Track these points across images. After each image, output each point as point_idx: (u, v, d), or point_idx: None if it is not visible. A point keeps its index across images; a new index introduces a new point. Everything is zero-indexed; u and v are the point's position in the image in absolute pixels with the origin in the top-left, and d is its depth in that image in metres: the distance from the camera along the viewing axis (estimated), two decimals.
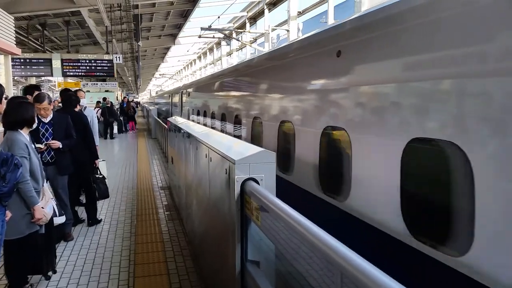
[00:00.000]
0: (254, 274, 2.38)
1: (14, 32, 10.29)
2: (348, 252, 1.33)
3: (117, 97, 35.12)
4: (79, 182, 5.70)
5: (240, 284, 2.50)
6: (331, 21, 16.31)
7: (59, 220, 4.02)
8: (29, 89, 5.77)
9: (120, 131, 20.00)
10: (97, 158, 5.95)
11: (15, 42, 10.61)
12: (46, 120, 4.74)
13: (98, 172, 5.95)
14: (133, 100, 36.60)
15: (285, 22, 20.01)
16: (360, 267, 1.22)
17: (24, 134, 3.49)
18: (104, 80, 25.16)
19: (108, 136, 17.38)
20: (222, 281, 2.96)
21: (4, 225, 2.98)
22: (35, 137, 4.52)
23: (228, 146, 3.09)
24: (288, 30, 18.41)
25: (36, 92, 5.27)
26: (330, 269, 1.42)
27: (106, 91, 25.99)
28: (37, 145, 4.44)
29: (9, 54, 10.34)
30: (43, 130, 4.72)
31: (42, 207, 3.43)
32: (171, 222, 5.73)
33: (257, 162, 2.51)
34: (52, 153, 4.74)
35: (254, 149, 2.66)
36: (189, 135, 4.72)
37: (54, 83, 43.74)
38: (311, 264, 1.95)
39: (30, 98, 5.04)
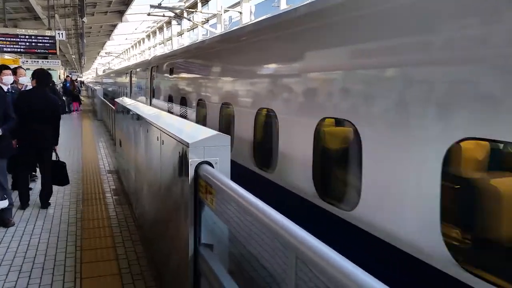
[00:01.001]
0: (207, 257, 2.38)
1: None
2: (304, 234, 1.36)
3: (59, 76, 33.23)
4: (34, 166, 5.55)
5: (193, 267, 2.50)
6: (283, 5, 16.34)
7: (1, 204, 3.77)
8: None
9: (63, 111, 18.98)
10: (57, 143, 5.68)
11: None
12: None
13: (57, 157, 5.71)
14: (76, 79, 34.81)
15: (238, 3, 19.79)
16: (315, 248, 1.25)
17: None
18: (45, 58, 23.61)
19: None
20: (174, 265, 2.94)
21: None
22: None
23: (181, 129, 3.03)
24: (240, 12, 18.23)
25: None
26: (284, 252, 1.45)
27: (48, 69, 24.48)
28: None
29: None
30: None
31: None
32: (120, 207, 5.58)
33: (211, 145, 2.48)
34: None
35: (208, 132, 2.64)
36: (138, 117, 4.58)
37: None
38: (264, 246, 1.99)
39: None
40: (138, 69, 13.91)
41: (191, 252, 2.50)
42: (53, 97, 5.72)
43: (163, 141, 3.22)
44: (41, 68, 6.10)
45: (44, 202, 5.45)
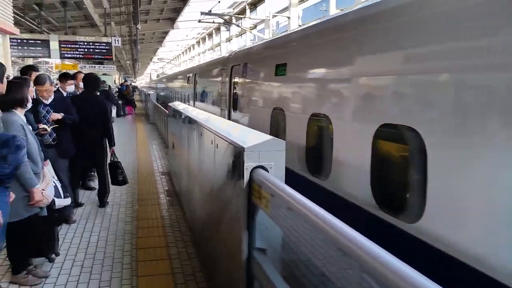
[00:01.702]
0: (261, 261, 2.39)
1: (12, 11, 10.13)
2: (369, 243, 1.33)
3: (114, 80, 34.87)
4: (88, 167, 5.82)
5: (246, 270, 2.52)
6: (332, 10, 16.15)
7: (64, 202, 4.01)
8: (25, 70, 5.69)
9: (118, 115, 19.89)
10: (113, 145, 5.90)
11: (13, 22, 10.46)
12: (47, 102, 4.71)
13: (113, 158, 5.93)
14: (130, 84, 36.34)
15: (286, 9, 19.84)
16: (382, 259, 1.22)
17: (19, 115, 3.41)
18: (101, 63, 24.93)
19: None
20: (227, 268, 2.98)
21: (8, 207, 2.97)
22: (36, 118, 4.49)
23: (236, 133, 3.07)
24: (289, 17, 18.24)
25: (34, 73, 5.22)
26: (347, 261, 1.42)
27: (104, 74, 25.77)
28: (42, 126, 4.42)
29: (7, 34, 10.20)
30: (44, 112, 4.69)
31: (43, 189, 3.41)
32: (172, 208, 5.74)
33: (266, 150, 2.50)
34: (55, 135, 4.72)
35: (263, 137, 2.66)
36: (192, 121, 4.70)
37: (52, 64, 43.28)
38: (322, 254, 1.97)
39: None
40: (207, 71, 11.25)
41: (245, 255, 2.52)
42: (101, 100, 5.87)
43: (217, 144, 3.28)
44: (89, 73, 6.35)
45: (101, 201, 5.72)
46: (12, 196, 3.02)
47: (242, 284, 2.57)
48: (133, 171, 8.16)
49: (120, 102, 21.02)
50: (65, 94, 5.79)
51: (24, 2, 17.86)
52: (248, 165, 2.48)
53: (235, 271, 2.69)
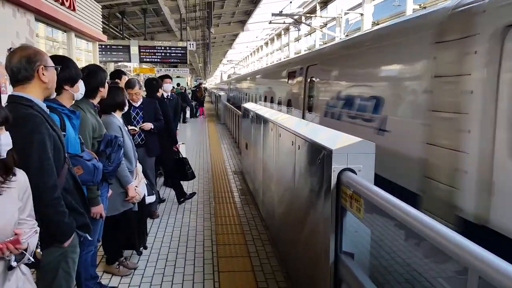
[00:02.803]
0: (349, 265, 2.36)
1: (101, 20, 11.00)
2: (485, 252, 1.26)
3: (187, 82, 36.38)
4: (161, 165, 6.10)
5: (333, 274, 2.50)
6: (410, 7, 15.36)
7: (150, 199, 4.28)
8: (116, 74, 6.11)
9: (192, 115, 20.70)
10: (177, 142, 6.20)
11: (102, 30, 11.35)
12: (137, 105, 5.03)
13: (179, 155, 6.21)
14: (202, 85, 37.70)
15: (358, 5, 19.34)
16: (501, 269, 1.15)
17: (117, 117, 3.70)
18: (175, 66, 26.16)
19: (181, 120, 18.13)
20: (311, 269, 2.97)
21: (107, 202, 3.22)
22: (127, 120, 4.82)
23: (320, 134, 3.06)
24: (362, 14, 17.76)
25: (124, 77, 5.59)
26: (457, 270, 1.36)
27: (178, 76, 27.04)
28: (131, 127, 4.73)
29: (97, 41, 11.09)
30: (134, 114, 5.01)
31: (136, 186, 3.66)
32: (247, 206, 5.86)
33: (355, 152, 2.46)
34: (143, 135, 5.03)
35: (351, 139, 2.62)
36: (268, 122, 4.77)
37: (130, 68, 46.29)
38: (422, 261, 1.90)
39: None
40: (279, 71, 10.58)
41: (332, 258, 2.50)
42: (162, 99, 6.06)
43: (299, 146, 3.29)
44: (148, 78, 6.59)
45: (178, 199, 5.99)
46: (110, 192, 3.28)
47: (328, 286, 2.55)
48: (207, 170, 8.46)
49: (193, 103, 21.86)
50: (165, 95, 6.18)
51: (110, 11, 19.28)
52: (336, 167, 2.45)
53: (321, 273, 2.68)
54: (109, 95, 3.34)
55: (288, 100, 9.24)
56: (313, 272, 2.89)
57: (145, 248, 4.18)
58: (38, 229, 1.75)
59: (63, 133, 2.44)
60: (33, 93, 2.16)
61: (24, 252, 1.62)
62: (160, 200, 5.88)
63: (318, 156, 2.72)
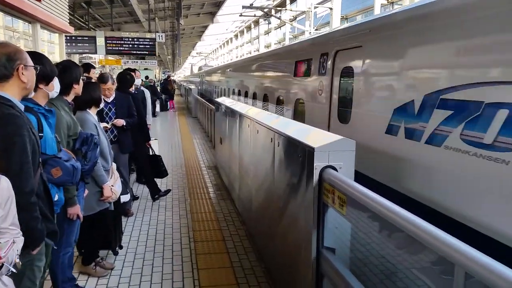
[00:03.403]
0: (331, 259, 2.42)
1: (67, 11, 10.60)
2: (468, 248, 1.32)
3: (155, 75, 35.71)
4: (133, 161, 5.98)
5: (315, 268, 2.55)
6: (378, 2, 15.68)
7: (125, 198, 4.20)
8: (84, 67, 5.91)
9: (162, 109, 20.37)
10: (149, 139, 6.11)
11: (68, 21, 10.94)
12: (109, 100, 4.90)
13: (152, 152, 6.13)
14: (171, 78, 37.13)
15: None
16: (486, 265, 1.21)
17: (92, 114, 3.60)
18: (143, 58, 25.59)
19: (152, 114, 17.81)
20: (292, 264, 3.02)
21: (83, 202, 3.14)
22: (99, 116, 4.69)
23: (300, 132, 3.09)
24: (331, 8, 17.96)
25: (93, 70, 5.44)
26: (441, 266, 1.42)
27: (145, 69, 26.48)
28: (103, 124, 4.62)
29: (63, 33, 10.69)
30: (106, 110, 4.89)
31: (112, 185, 3.58)
32: (223, 202, 5.86)
33: (336, 150, 2.51)
34: (115, 132, 4.92)
35: (332, 136, 2.66)
36: (245, 117, 4.77)
37: (95, 60, 44.92)
38: (403, 256, 1.97)
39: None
40: (279, 60, 8.40)
41: (314, 254, 2.55)
42: (134, 94, 5.94)
43: (278, 143, 3.31)
44: (122, 72, 6.41)
45: (152, 196, 5.91)
46: (86, 191, 3.20)
47: (310, 281, 2.61)
48: (180, 165, 8.39)
49: (162, 97, 21.51)
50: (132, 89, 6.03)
51: (75, 1, 18.61)
52: (318, 165, 2.49)
53: (303, 268, 2.73)
54: (85, 90, 3.24)
55: (295, 101, 6.71)
56: (295, 267, 2.94)
57: (121, 247, 4.11)
58: (22, 238, 1.69)
59: (40, 134, 2.36)
60: (11, 92, 2.07)
61: (4, 263, 1.56)
62: (133, 198, 5.78)
63: (299, 153, 2.75)
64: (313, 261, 2.55)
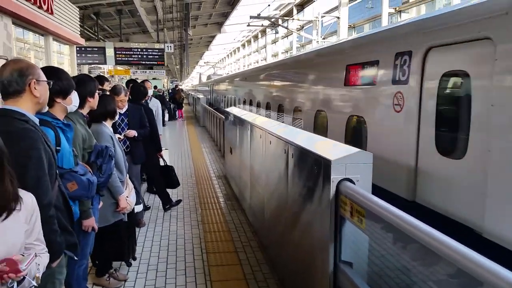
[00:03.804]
0: (349, 273, 2.39)
1: (78, 23, 10.73)
2: (495, 266, 1.30)
3: (163, 84, 35.93)
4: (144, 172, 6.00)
5: (333, 283, 2.52)
6: (385, 11, 15.65)
7: (138, 208, 4.21)
8: (99, 80, 5.98)
9: (170, 118, 20.47)
10: (161, 150, 6.11)
11: (79, 33, 11.09)
12: (122, 111, 4.94)
13: (164, 163, 6.15)
14: (180, 87, 37.34)
15: (335, 8, 19.61)
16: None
17: (108, 126, 3.65)
18: (151, 68, 25.78)
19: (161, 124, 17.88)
20: (307, 277, 2.99)
21: (98, 213, 3.15)
22: (112, 127, 4.72)
23: (315, 143, 3.08)
24: (338, 17, 18.01)
25: (106, 83, 5.47)
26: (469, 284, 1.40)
27: (154, 78, 26.65)
28: (116, 135, 4.65)
29: (74, 44, 10.82)
30: (119, 121, 4.92)
31: (127, 197, 3.60)
32: (234, 212, 5.84)
33: (353, 162, 2.49)
34: (128, 143, 4.95)
35: (349, 149, 2.65)
36: (257, 128, 4.77)
37: (103, 70, 45.37)
38: (426, 272, 1.94)
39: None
40: (324, 65, 6.52)
41: (331, 268, 2.53)
42: (147, 105, 5.97)
43: (292, 154, 3.30)
44: (133, 80, 6.40)
45: (164, 206, 5.91)
46: (101, 203, 3.20)
47: None
48: (190, 174, 8.40)
49: (171, 105, 21.63)
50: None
51: (84, 12, 18.85)
52: (335, 177, 2.48)
53: (319, 281, 2.70)
54: (100, 103, 3.27)
55: (347, 120, 5.17)
56: (310, 280, 2.91)
57: (134, 259, 4.10)
58: (47, 254, 1.69)
59: (57, 147, 2.37)
60: (25, 107, 2.09)
61: (26, 276, 1.57)
62: (145, 208, 5.79)
63: (315, 165, 2.74)
64: (330, 274, 2.53)
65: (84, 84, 3.09)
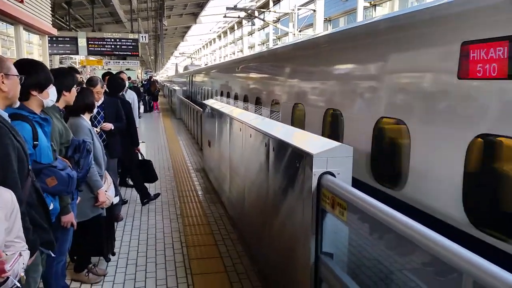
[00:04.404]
0: (330, 264, 2.45)
1: (50, 12, 10.38)
2: (475, 257, 1.36)
3: (137, 75, 35.32)
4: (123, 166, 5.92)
5: (314, 273, 2.58)
6: (360, 4, 15.86)
7: (115, 200, 4.14)
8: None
9: (145, 110, 20.17)
10: (138, 144, 6.03)
11: (51, 23, 10.73)
12: (98, 104, 4.82)
13: (142, 157, 6.09)
14: (150, 78, 36.74)
15: (311, 1, 19.70)
16: (495, 273, 1.25)
17: (86, 119, 3.58)
18: (125, 59, 25.24)
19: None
20: (289, 269, 3.04)
21: (76, 209, 3.10)
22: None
23: (296, 137, 3.11)
24: (314, 10, 18.10)
25: (77, 76, 5.33)
26: (446, 274, 1.46)
27: (128, 69, 26.14)
28: None
29: (46, 34, 10.47)
30: (95, 114, 4.81)
31: (106, 191, 3.55)
32: (213, 205, 5.84)
33: (334, 156, 2.54)
34: (104, 136, 4.86)
35: (330, 143, 2.69)
36: (235, 121, 4.77)
37: (75, 60, 44.07)
38: (402, 263, 2.01)
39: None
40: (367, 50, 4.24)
41: (312, 259, 2.58)
42: (123, 98, 5.89)
43: (273, 148, 3.33)
44: (109, 72, 6.30)
45: (142, 200, 5.86)
46: (79, 198, 3.15)
47: (308, 285, 2.63)
48: (168, 167, 8.33)
49: (146, 97, 21.31)
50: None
51: (55, 1, 18.23)
52: (317, 171, 2.52)
53: (301, 273, 2.75)
54: (79, 96, 3.21)
55: (472, 140, 2.79)
56: (292, 272, 2.96)
57: (113, 254, 4.06)
58: (28, 251, 1.66)
59: (35, 142, 2.31)
60: None
61: (10, 277, 1.54)
62: (122, 202, 5.71)
63: (297, 159, 2.77)
64: (311, 266, 2.58)
65: (60, 77, 3.00)
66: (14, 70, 2.11)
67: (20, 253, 1.59)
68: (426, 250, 1.61)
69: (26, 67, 2.37)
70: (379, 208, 1.97)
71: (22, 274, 1.60)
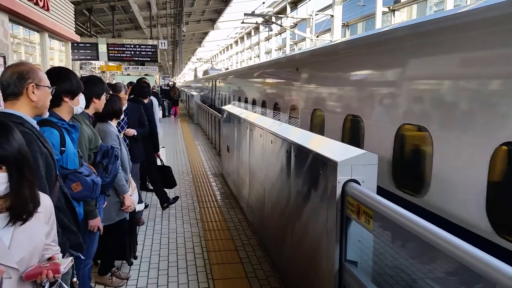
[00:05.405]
0: (354, 272, 2.44)
1: (73, 19, 10.62)
2: (503, 265, 1.35)
3: (155, 80, 35.71)
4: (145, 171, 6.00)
5: (338, 282, 2.58)
6: (379, 10, 15.72)
7: (140, 207, 4.22)
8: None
9: (163, 115, 20.39)
10: (158, 149, 6.11)
11: (74, 30, 10.99)
12: None
13: (162, 162, 6.15)
14: (168, 83, 37.13)
15: (328, 6, 19.67)
16: None
17: (114, 125, 3.67)
18: (143, 64, 25.60)
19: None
20: (311, 277, 3.04)
21: (102, 213, 3.17)
22: None
23: (320, 144, 3.12)
24: (332, 16, 18.07)
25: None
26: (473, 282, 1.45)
27: (146, 75, 26.49)
28: None
29: (69, 41, 10.72)
30: (119, 120, 4.91)
31: (130, 195, 3.62)
32: (232, 211, 5.88)
33: (358, 163, 2.54)
34: (127, 141, 4.95)
35: (354, 150, 2.70)
36: (257, 128, 4.80)
37: (94, 65, 44.86)
38: (432, 271, 1.99)
39: None
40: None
41: (336, 267, 2.58)
42: (147, 105, 5.95)
43: (295, 155, 3.35)
44: (139, 83, 6.40)
45: (162, 205, 5.92)
46: (105, 203, 3.22)
47: None
48: (187, 172, 8.41)
49: (165, 102, 21.55)
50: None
51: (76, 8, 18.66)
52: (341, 178, 2.53)
53: (324, 280, 2.75)
54: (107, 102, 3.29)
55: None
56: (315, 279, 2.96)
57: (135, 258, 4.12)
58: (60, 255, 1.71)
59: (62, 148, 2.38)
60: (22, 110, 2.07)
61: (59, 279, 1.59)
62: (144, 206, 5.79)
63: (320, 166, 2.78)
64: (335, 273, 2.58)
65: (91, 85, 3.10)
66: (45, 81, 2.17)
67: (72, 259, 1.65)
68: (458, 260, 1.60)
69: (60, 74, 2.45)
70: (407, 217, 1.96)
71: (75, 279, 1.67)
